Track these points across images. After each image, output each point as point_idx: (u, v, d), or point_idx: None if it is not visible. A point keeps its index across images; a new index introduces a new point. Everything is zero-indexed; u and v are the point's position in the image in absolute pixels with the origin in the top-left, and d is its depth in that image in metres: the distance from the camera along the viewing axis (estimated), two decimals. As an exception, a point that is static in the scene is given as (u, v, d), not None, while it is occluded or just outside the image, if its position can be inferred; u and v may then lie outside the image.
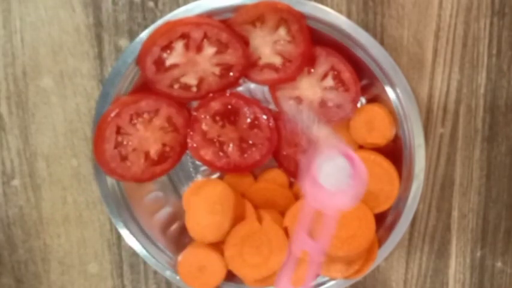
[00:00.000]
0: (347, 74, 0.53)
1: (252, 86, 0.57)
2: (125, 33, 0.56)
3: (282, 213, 0.56)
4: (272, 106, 0.56)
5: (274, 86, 0.54)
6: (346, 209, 0.44)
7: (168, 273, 0.57)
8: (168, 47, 0.51)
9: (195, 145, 0.54)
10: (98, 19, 0.55)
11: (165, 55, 0.51)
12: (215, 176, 0.59)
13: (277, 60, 0.53)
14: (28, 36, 0.56)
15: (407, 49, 0.55)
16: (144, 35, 0.52)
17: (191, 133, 0.54)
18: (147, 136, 0.53)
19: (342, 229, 0.52)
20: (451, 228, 0.59)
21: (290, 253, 0.44)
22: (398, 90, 0.53)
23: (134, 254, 0.59)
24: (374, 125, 0.54)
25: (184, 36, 0.51)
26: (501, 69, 0.56)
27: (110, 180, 0.55)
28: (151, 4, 0.55)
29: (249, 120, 0.54)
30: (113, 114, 0.52)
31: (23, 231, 0.60)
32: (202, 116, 0.54)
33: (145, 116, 0.53)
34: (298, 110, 0.48)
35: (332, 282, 0.56)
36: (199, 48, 0.51)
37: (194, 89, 0.53)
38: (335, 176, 0.44)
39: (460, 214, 0.59)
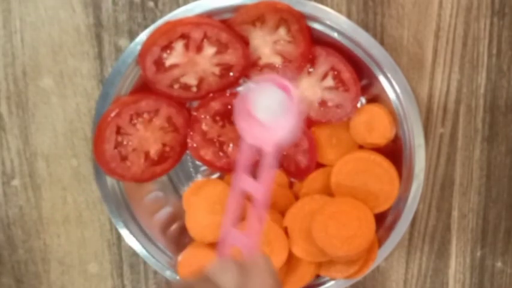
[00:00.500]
0: (347, 74, 0.53)
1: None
2: (125, 33, 0.56)
3: (282, 213, 0.56)
4: (272, 106, 0.56)
5: (274, 86, 0.54)
6: (283, 142, 0.41)
7: (168, 273, 0.57)
8: (168, 47, 0.51)
9: (195, 145, 0.54)
10: (98, 19, 0.55)
11: (165, 55, 0.51)
12: (215, 176, 0.59)
13: (277, 60, 0.53)
14: (28, 36, 0.56)
15: (407, 49, 0.55)
16: (144, 35, 0.52)
17: (191, 133, 0.54)
18: (147, 136, 0.53)
19: (342, 229, 0.52)
20: (451, 228, 0.59)
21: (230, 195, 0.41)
22: (398, 90, 0.53)
23: (134, 254, 0.59)
24: (374, 125, 0.54)
25: (184, 36, 0.51)
26: (501, 69, 0.56)
27: (110, 180, 0.55)
28: (151, 4, 0.55)
29: (249, 120, 0.54)
30: (113, 114, 0.52)
31: (23, 231, 0.60)
32: (202, 116, 0.54)
33: (145, 116, 0.53)
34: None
35: (332, 282, 0.56)
36: (199, 48, 0.51)
37: (194, 89, 0.53)
38: (271, 108, 0.41)
39: (460, 214, 0.59)
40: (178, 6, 0.54)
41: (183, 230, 0.56)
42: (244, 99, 0.42)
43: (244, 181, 0.41)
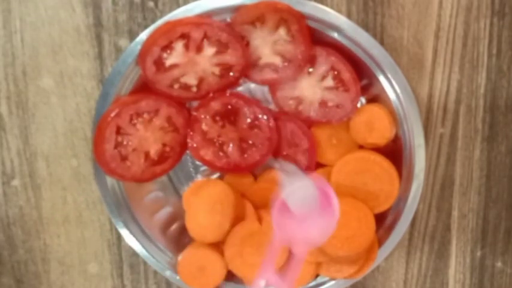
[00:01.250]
0: (347, 74, 0.53)
1: (252, 86, 0.57)
2: (125, 33, 0.56)
3: (282, 213, 0.56)
4: (272, 106, 0.56)
5: (274, 86, 0.54)
6: (315, 244, 0.43)
7: (168, 273, 0.57)
8: (168, 47, 0.51)
9: (195, 145, 0.54)
10: (98, 19, 0.55)
11: (165, 55, 0.51)
12: (215, 176, 0.59)
13: (277, 60, 0.53)
14: (28, 36, 0.56)
15: (407, 49, 0.55)
16: (144, 35, 0.52)
17: (191, 133, 0.54)
18: (147, 136, 0.53)
19: (342, 229, 0.52)
20: (451, 228, 0.59)
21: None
22: (398, 90, 0.53)
23: (134, 254, 0.59)
24: (374, 125, 0.54)
25: (184, 36, 0.51)
26: (501, 69, 0.56)
27: (110, 180, 0.55)
28: (151, 4, 0.55)
29: (249, 120, 0.54)
30: (113, 114, 0.51)
31: (23, 231, 0.60)
32: (202, 116, 0.54)
33: (145, 116, 0.53)
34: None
35: (332, 282, 0.56)
36: (199, 48, 0.51)
37: (194, 89, 0.53)
38: (304, 201, 0.43)
39: (460, 214, 0.59)
40: (178, 6, 0.54)
41: (183, 230, 0.56)
42: (279, 197, 0.43)
43: (269, 278, 0.42)
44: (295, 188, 0.43)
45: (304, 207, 0.43)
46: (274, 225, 0.43)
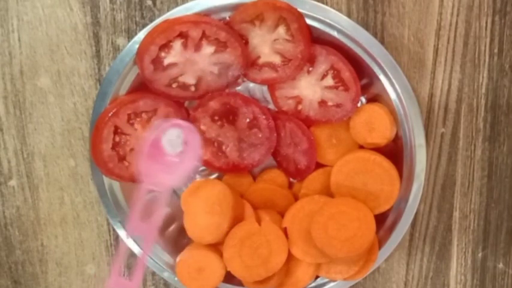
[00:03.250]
0: (347, 73, 0.52)
1: (251, 85, 0.56)
2: (122, 32, 0.55)
3: (281, 214, 0.55)
4: (271, 106, 0.56)
5: (273, 86, 0.54)
6: (176, 183, 0.45)
7: (166, 275, 0.57)
8: (166, 46, 0.51)
9: (193, 145, 0.54)
10: (95, 18, 0.55)
11: (163, 54, 0.51)
12: (214, 176, 0.58)
13: (276, 59, 0.53)
14: (25, 35, 0.56)
15: (408, 48, 0.55)
16: (142, 34, 0.52)
17: (189, 133, 0.54)
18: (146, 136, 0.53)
19: (342, 230, 0.51)
20: (452, 229, 0.59)
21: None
22: (398, 90, 0.53)
23: (132, 255, 0.58)
24: (374, 125, 0.53)
25: (183, 35, 0.50)
26: (503, 68, 0.55)
27: (108, 181, 0.55)
28: (149, 3, 0.55)
29: (248, 120, 0.53)
30: (110, 114, 0.51)
31: (20, 232, 0.60)
32: (201, 116, 0.53)
33: (144, 115, 0.52)
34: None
35: (332, 284, 0.56)
36: (197, 47, 0.51)
37: (192, 89, 0.53)
38: (175, 144, 0.45)
39: (461, 215, 0.58)
40: (177, 4, 0.54)
41: (181, 231, 0.56)
42: (149, 141, 0.45)
43: (136, 226, 0.43)
44: (167, 127, 0.45)
45: (176, 147, 0.45)
46: (141, 168, 0.44)
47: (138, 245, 0.56)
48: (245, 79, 0.54)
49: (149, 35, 0.51)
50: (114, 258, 0.44)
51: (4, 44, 0.56)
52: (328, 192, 0.55)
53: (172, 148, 0.44)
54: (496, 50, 0.55)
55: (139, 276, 0.43)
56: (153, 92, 0.52)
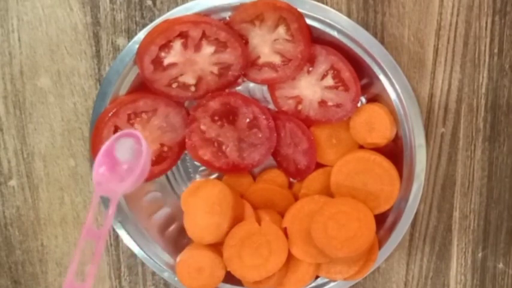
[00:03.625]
0: (347, 73, 0.52)
1: (251, 85, 0.56)
2: (122, 32, 0.55)
3: (281, 214, 0.55)
4: (271, 106, 0.55)
5: (273, 86, 0.54)
6: (127, 190, 0.46)
7: (166, 275, 0.57)
8: (166, 46, 0.51)
9: (193, 145, 0.54)
10: (95, 18, 0.55)
11: (163, 54, 0.51)
12: (214, 176, 0.58)
13: (276, 59, 0.52)
14: (25, 35, 0.56)
15: (408, 48, 0.55)
16: (142, 34, 0.52)
17: (189, 133, 0.54)
18: (145, 136, 0.53)
19: (342, 230, 0.51)
20: (452, 229, 0.59)
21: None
22: (398, 90, 0.53)
23: (132, 255, 0.59)
24: (374, 125, 0.53)
25: (183, 35, 0.50)
26: (503, 68, 0.55)
27: (108, 181, 0.55)
28: (149, 3, 0.55)
29: (248, 120, 0.53)
30: (110, 114, 0.51)
31: (20, 232, 0.60)
32: (201, 116, 0.53)
33: (144, 115, 0.52)
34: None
35: (332, 284, 0.56)
36: (197, 47, 0.51)
37: (192, 89, 0.53)
38: (127, 153, 0.46)
39: (461, 215, 0.58)
40: (177, 5, 0.54)
41: (181, 231, 0.56)
42: (102, 151, 0.46)
43: (90, 232, 0.45)
44: (118, 137, 0.46)
45: (129, 156, 0.46)
46: (94, 177, 0.45)
47: (138, 245, 0.56)
48: (245, 79, 0.54)
49: (149, 35, 0.51)
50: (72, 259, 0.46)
51: (4, 44, 0.56)
52: (328, 192, 0.55)
53: (123, 157, 0.46)
54: (496, 50, 0.55)
55: (90, 282, 0.45)
56: (153, 92, 0.52)
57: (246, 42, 0.52)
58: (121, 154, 0.46)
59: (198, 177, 0.59)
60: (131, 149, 0.46)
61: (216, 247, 0.55)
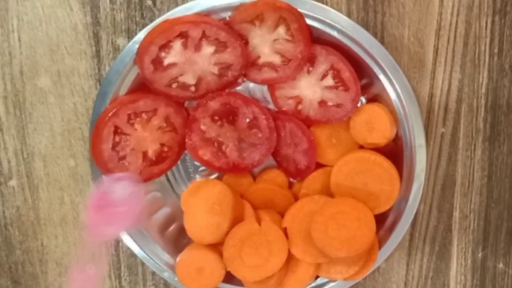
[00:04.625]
0: (347, 73, 0.52)
1: (251, 85, 0.56)
2: (122, 32, 0.55)
3: (281, 214, 0.55)
4: (271, 106, 0.55)
5: (273, 86, 0.54)
6: (119, 233, 0.48)
7: (166, 275, 0.57)
8: (166, 46, 0.51)
9: (193, 145, 0.54)
10: (95, 18, 0.55)
11: (163, 54, 0.51)
12: (214, 176, 0.58)
13: (276, 59, 0.52)
14: (25, 36, 0.56)
15: (408, 48, 0.55)
16: (142, 34, 0.52)
17: (189, 133, 0.53)
18: (145, 136, 0.53)
19: (342, 230, 0.51)
20: (452, 229, 0.59)
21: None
22: (398, 90, 0.53)
23: (132, 255, 0.59)
24: (374, 125, 0.53)
25: (183, 35, 0.50)
26: (503, 68, 0.55)
27: (108, 181, 0.55)
28: (149, 3, 0.55)
29: (248, 120, 0.53)
30: (110, 114, 0.51)
31: (20, 232, 0.60)
32: (201, 116, 0.53)
33: (144, 115, 0.52)
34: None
35: (332, 284, 0.56)
36: (197, 47, 0.51)
37: (192, 89, 0.53)
38: (123, 196, 0.48)
39: (461, 215, 0.58)
40: (177, 5, 0.54)
41: (181, 231, 0.56)
42: (96, 196, 0.47)
43: (81, 274, 0.46)
44: (111, 181, 0.47)
45: (125, 198, 0.47)
46: (87, 220, 0.46)
47: (138, 245, 0.56)
48: (245, 79, 0.54)
49: (149, 35, 0.51)
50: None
51: (4, 44, 0.56)
52: (328, 192, 0.55)
53: (117, 199, 0.47)
54: (496, 50, 0.55)
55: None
56: (153, 92, 0.52)
57: (246, 42, 0.52)
58: (114, 197, 0.46)
59: (198, 177, 0.59)
60: (123, 191, 0.46)
61: (216, 247, 0.55)
